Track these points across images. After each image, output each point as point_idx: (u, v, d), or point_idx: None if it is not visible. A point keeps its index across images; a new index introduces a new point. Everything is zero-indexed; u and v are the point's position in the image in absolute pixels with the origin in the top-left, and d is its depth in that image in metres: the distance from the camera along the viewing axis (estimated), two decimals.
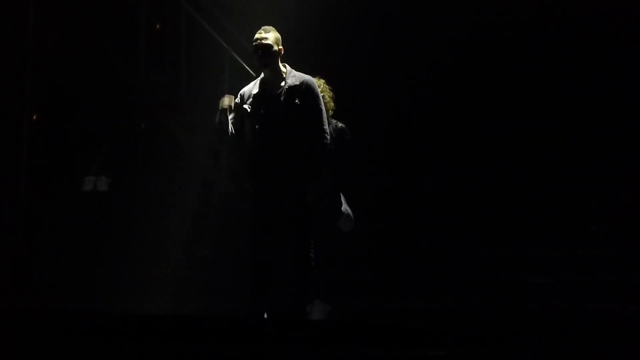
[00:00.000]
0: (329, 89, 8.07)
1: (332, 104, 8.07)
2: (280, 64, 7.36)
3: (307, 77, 7.32)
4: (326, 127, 7.21)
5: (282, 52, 7.33)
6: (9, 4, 9.66)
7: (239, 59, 10.89)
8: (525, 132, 11.14)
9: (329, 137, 7.23)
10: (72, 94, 10.09)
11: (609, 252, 9.22)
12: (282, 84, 7.27)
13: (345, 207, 8.27)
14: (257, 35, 7.29)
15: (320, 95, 7.38)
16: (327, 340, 5.91)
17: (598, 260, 9.14)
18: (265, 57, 7.25)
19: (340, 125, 8.30)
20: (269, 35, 7.26)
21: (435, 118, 11.50)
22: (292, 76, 7.34)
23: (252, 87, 7.41)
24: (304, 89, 7.24)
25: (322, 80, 7.95)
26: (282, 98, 7.22)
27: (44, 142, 9.83)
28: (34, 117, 9.76)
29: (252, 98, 7.30)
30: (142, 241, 9.78)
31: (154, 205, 10.13)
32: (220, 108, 7.33)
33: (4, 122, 9.60)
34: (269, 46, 7.24)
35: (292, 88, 7.24)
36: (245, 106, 7.31)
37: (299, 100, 7.20)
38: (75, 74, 10.08)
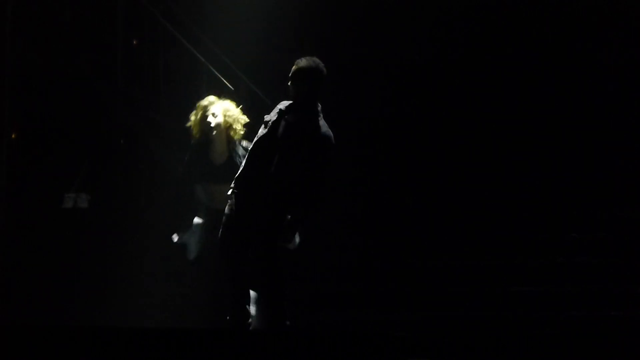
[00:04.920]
0: (241, 115, 7.95)
1: (241, 129, 7.92)
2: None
3: (328, 131, 7.07)
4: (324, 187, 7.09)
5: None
6: None
7: (217, 73, 10.89)
8: (506, 141, 11.19)
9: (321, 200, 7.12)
10: (50, 111, 10.06)
11: (589, 260, 9.28)
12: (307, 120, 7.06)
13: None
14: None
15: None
16: (313, 350, 5.91)
17: (579, 267, 9.20)
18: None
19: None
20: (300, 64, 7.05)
21: (415, 128, 11.53)
22: (321, 119, 7.11)
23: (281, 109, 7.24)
24: (320, 138, 7.02)
25: (234, 104, 7.92)
26: (299, 133, 7.03)
27: (23, 160, 9.79)
28: (13, 136, 9.69)
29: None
30: (122, 257, 9.75)
31: (133, 221, 10.11)
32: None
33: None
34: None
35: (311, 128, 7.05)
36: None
37: (310, 145, 7.01)
38: (53, 91, 10.05)
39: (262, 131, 7.12)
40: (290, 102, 7.15)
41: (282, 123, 7.07)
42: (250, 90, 10.96)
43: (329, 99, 9.48)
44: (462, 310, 8.84)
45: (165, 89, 11.13)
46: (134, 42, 11.06)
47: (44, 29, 10.24)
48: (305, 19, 11.71)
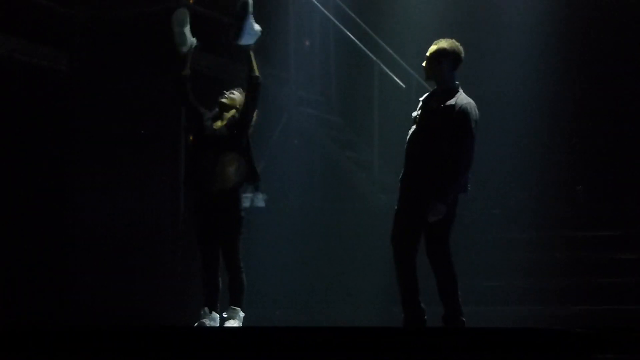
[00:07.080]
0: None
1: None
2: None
3: (468, 104, 7.04)
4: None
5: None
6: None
7: (388, 71, 10.89)
8: None
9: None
10: None
11: None
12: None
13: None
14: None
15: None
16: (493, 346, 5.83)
17: None
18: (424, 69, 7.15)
19: None
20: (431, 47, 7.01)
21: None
22: (460, 94, 7.05)
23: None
24: (459, 111, 6.99)
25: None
26: (441, 114, 6.98)
27: None
28: (191, 138, 9.91)
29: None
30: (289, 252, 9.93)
31: (307, 219, 10.22)
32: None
33: (164, 144, 9.89)
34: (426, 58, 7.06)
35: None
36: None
37: (451, 120, 6.97)
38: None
39: (412, 128, 7.11)
40: (429, 92, 7.13)
41: (426, 113, 7.03)
42: (421, 87, 10.92)
43: None
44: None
45: (337, 89, 11.22)
46: (306, 43, 11.18)
47: (218, 34, 10.46)
48: (474, 17, 11.61)
